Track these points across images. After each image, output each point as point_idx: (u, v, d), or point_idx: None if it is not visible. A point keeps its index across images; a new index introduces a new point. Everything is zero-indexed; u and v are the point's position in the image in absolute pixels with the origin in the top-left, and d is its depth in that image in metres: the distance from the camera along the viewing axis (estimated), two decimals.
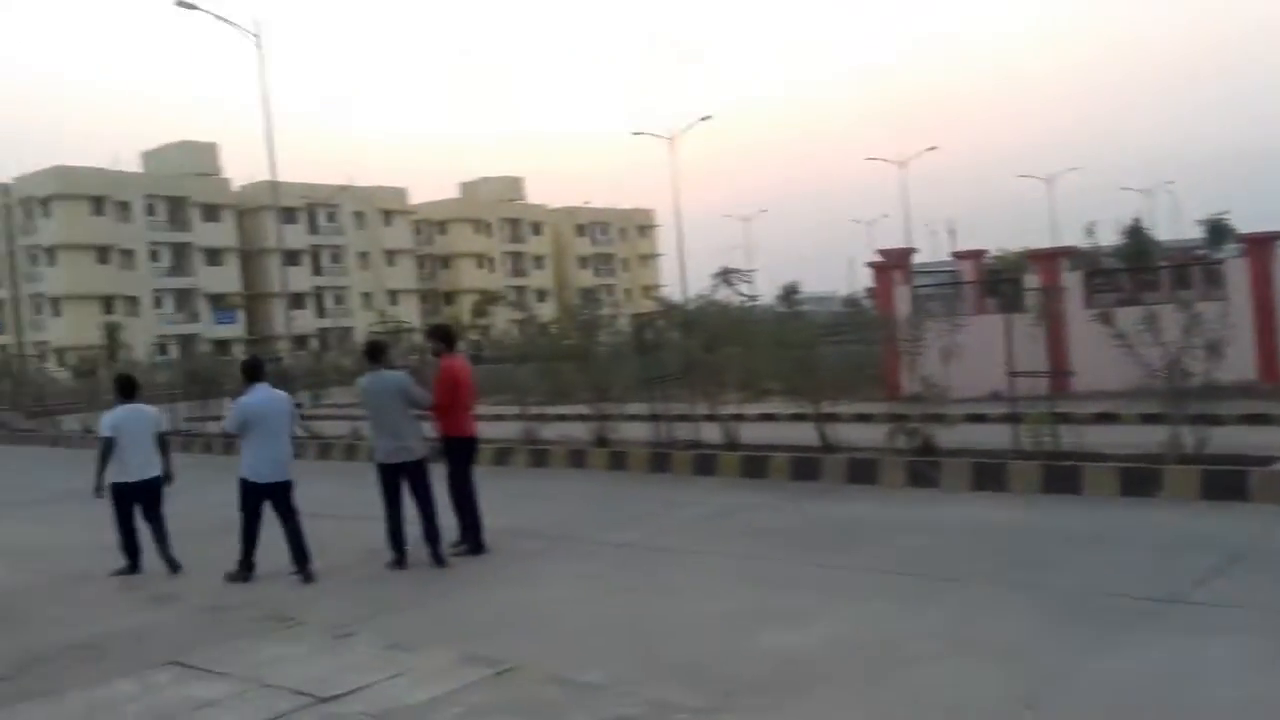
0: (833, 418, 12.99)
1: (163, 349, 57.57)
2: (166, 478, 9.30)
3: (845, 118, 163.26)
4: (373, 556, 8.90)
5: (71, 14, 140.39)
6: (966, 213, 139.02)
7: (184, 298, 70.28)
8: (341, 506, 11.57)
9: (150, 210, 68.82)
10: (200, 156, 72.80)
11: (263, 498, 8.68)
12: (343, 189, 72.02)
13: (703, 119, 58.23)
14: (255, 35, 31.68)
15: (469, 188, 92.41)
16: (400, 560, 8.69)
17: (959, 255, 27.20)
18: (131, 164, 71.77)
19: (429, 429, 9.27)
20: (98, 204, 66.25)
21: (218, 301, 71.32)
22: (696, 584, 7.68)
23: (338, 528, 10.73)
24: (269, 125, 32.24)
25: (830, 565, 7.94)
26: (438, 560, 8.69)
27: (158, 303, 69.06)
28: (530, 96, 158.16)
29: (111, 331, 54.14)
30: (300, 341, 53.97)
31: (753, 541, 8.97)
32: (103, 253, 66.41)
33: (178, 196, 69.63)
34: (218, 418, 17.70)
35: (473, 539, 9.12)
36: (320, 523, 11.12)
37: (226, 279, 71.73)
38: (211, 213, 71.30)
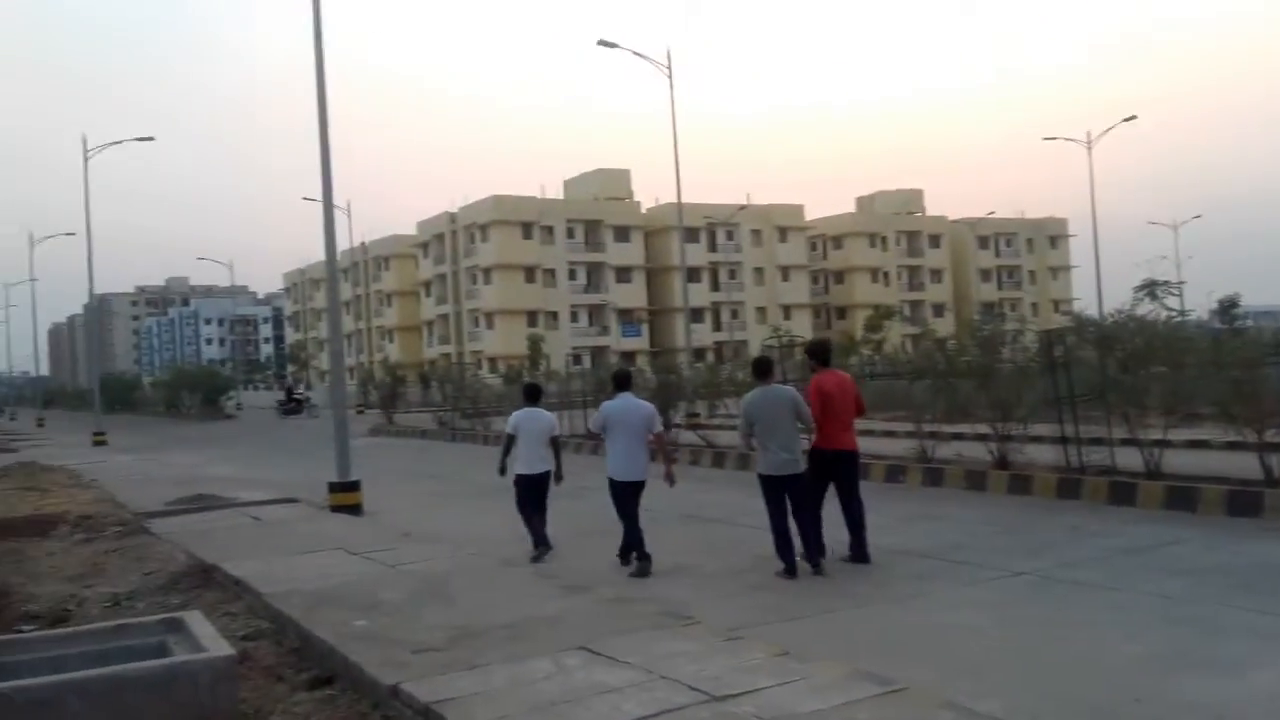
0: None
1: (576, 359, 62.47)
2: (557, 476, 10.21)
3: None
4: (762, 563, 9.07)
5: (504, 62, 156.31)
6: None
7: (596, 312, 76.22)
8: (734, 514, 11.91)
9: (570, 233, 75.48)
10: (614, 182, 78.99)
11: (626, 494, 9.32)
12: (741, 208, 74.35)
13: (1126, 119, 53.38)
14: (667, 69, 33.29)
15: (864, 201, 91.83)
16: (789, 570, 8.78)
17: None
18: (554, 191, 79.43)
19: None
20: (527, 229, 73.66)
21: (625, 316, 76.55)
22: (1108, 621, 7.05)
23: (730, 534, 11.07)
24: (676, 153, 33.61)
25: (1272, 612, 6.97)
26: (817, 571, 8.78)
27: (573, 317, 75.53)
28: (932, 107, 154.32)
29: (534, 343, 59.85)
30: (698, 354, 56.27)
31: (1177, 580, 8.07)
32: (529, 272, 73.76)
33: (593, 220, 75.94)
34: None
35: (858, 549, 9.18)
36: (714, 528, 11.58)
37: (634, 295, 76.94)
38: (622, 234, 76.87)
